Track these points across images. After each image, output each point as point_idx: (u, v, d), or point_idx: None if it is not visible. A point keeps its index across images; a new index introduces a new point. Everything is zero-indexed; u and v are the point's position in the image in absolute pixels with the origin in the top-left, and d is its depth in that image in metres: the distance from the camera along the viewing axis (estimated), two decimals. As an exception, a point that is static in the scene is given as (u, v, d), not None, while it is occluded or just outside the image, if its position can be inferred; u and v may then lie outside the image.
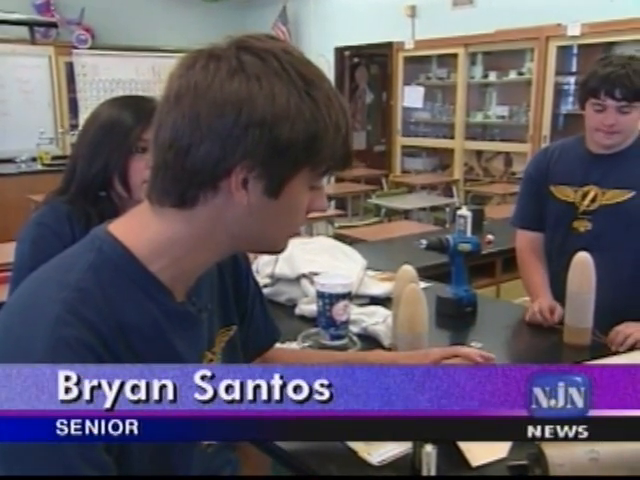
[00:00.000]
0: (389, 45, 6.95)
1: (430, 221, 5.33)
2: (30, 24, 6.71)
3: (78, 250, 0.79)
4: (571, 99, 5.73)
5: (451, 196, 6.15)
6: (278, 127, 0.72)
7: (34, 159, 6.01)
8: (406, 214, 5.14)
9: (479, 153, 6.50)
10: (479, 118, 6.35)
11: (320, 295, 1.63)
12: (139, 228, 0.80)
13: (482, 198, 5.71)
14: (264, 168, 0.74)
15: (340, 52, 7.92)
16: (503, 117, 6.16)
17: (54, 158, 5.89)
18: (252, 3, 8.59)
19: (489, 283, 2.94)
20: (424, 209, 5.48)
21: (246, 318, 1.04)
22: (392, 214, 5.22)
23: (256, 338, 1.08)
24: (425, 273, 2.31)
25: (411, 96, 6.84)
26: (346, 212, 6.27)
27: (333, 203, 7.08)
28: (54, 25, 6.94)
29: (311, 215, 3.24)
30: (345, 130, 0.78)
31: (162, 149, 0.75)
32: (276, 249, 0.87)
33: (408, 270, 1.56)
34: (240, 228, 0.79)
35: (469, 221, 2.69)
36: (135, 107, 1.49)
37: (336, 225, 4.23)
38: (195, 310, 0.85)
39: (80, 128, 1.61)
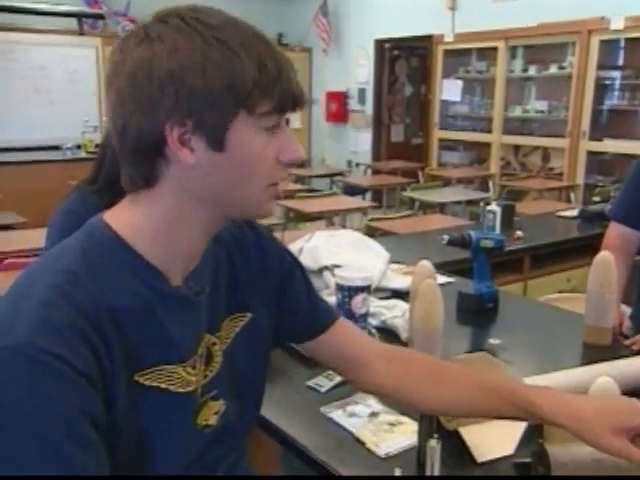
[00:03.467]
0: (429, 38, 6.90)
1: (466, 215, 5.29)
2: (79, 16, 6.91)
3: (71, 239, 0.81)
4: (616, 94, 5.60)
5: (487, 190, 6.09)
6: (188, 76, 0.72)
7: (79, 146, 6.20)
8: (441, 208, 5.12)
9: (517, 147, 6.42)
10: (517, 112, 6.26)
11: (339, 288, 1.65)
12: (125, 215, 0.82)
13: (518, 193, 5.64)
14: (195, 121, 0.74)
15: (380, 45, 7.89)
16: (542, 112, 6.06)
17: (97, 146, 6.05)
18: (293, -5, 8.61)
19: (516, 279, 2.91)
20: (460, 203, 5.44)
21: (283, 303, 1.02)
22: (427, 207, 5.20)
23: (296, 323, 1.05)
24: (451, 267, 2.31)
25: (449, 89, 6.78)
26: (381, 204, 6.27)
27: (369, 195, 7.10)
28: (101, 17, 7.13)
29: (345, 207, 3.28)
30: (274, 67, 0.76)
31: (113, 137, 0.78)
32: (258, 211, 0.84)
33: (426, 265, 1.56)
34: (205, 192, 0.79)
35: (498, 217, 2.69)
36: None
37: (368, 217, 4.24)
38: (191, 293, 0.85)
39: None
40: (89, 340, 0.72)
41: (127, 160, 0.78)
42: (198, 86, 0.73)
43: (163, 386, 0.81)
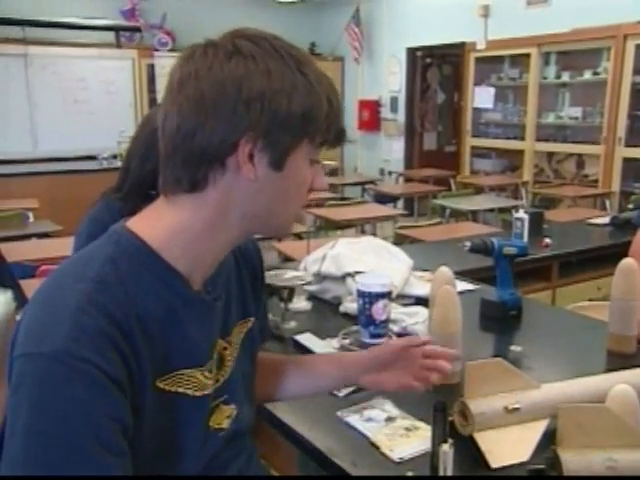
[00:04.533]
0: (461, 45, 6.88)
1: (498, 223, 5.23)
2: (117, 29, 7.08)
3: (97, 245, 0.83)
4: (654, 99, 5.49)
5: (520, 198, 6.02)
6: (276, 100, 0.77)
7: (115, 156, 6.32)
8: (473, 216, 5.08)
9: (550, 155, 6.34)
10: (551, 119, 6.19)
11: (360, 294, 1.66)
12: (154, 220, 0.83)
13: (552, 201, 5.57)
14: (267, 140, 0.78)
15: (412, 52, 7.90)
16: (576, 118, 5.98)
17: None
18: (325, 5, 8.68)
19: (545, 287, 2.88)
20: (492, 211, 5.39)
21: (259, 313, 1.07)
22: (459, 215, 5.17)
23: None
24: (477, 275, 2.29)
25: (481, 97, 6.74)
26: (412, 212, 6.25)
27: (401, 203, 7.08)
28: (138, 30, 7.29)
29: (375, 215, 3.30)
30: (336, 104, 0.83)
31: (170, 136, 0.79)
32: (284, 230, 0.90)
33: (444, 271, 1.56)
34: (250, 206, 0.82)
35: (526, 224, 2.67)
36: None
37: (397, 225, 4.24)
38: (210, 298, 0.88)
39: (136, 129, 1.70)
40: (119, 347, 0.74)
41: (183, 160, 0.79)
42: (282, 110, 0.78)
43: (181, 390, 0.84)
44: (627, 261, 1.57)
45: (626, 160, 5.45)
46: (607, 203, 5.45)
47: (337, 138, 0.86)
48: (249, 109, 0.76)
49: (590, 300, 2.68)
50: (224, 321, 0.94)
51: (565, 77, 6.00)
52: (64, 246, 3.12)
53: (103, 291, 0.76)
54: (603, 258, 3.00)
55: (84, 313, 0.73)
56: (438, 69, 8.35)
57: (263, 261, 1.09)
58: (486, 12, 6.64)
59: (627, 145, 5.39)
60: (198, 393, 0.86)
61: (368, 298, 1.64)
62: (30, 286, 2.45)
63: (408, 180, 7.36)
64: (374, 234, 4.87)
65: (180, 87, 0.78)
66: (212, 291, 0.89)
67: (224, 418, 0.94)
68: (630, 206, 3.71)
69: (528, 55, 6.12)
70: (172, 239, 0.82)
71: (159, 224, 0.83)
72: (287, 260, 3.17)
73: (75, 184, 5.49)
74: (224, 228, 0.83)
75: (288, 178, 0.82)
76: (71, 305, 0.73)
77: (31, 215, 4.17)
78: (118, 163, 6.19)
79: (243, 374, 0.99)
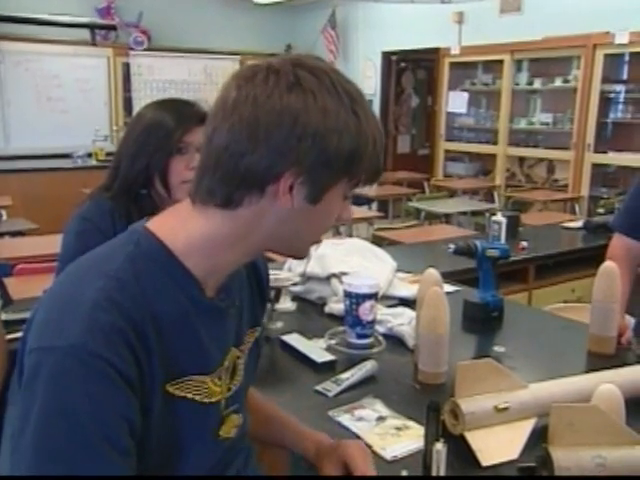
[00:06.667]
0: (435, 50, 6.96)
1: (470, 226, 5.31)
2: (91, 27, 6.99)
3: (117, 243, 0.83)
4: (620, 107, 5.64)
5: (492, 201, 6.12)
6: (327, 139, 0.78)
7: (89, 155, 6.27)
8: (447, 218, 5.14)
9: (522, 159, 6.46)
10: (523, 124, 6.30)
11: (347, 294, 1.67)
12: (177, 225, 0.83)
13: (523, 204, 5.67)
14: (310, 176, 0.79)
15: (387, 56, 7.96)
16: (547, 124, 6.11)
17: (108, 154, 6.12)
18: (302, 7, 8.69)
19: (521, 289, 2.94)
20: (465, 213, 5.47)
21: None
22: (432, 218, 5.23)
23: None
24: (457, 277, 2.33)
25: (455, 101, 6.83)
26: (386, 214, 6.29)
27: (375, 205, 7.12)
28: (113, 28, 7.22)
29: (353, 216, 3.23)
30: (380, 145, 0.84)
31: (217, 151, 0.79)
32: (301, 254, 0.91)
33: (432, 273, 1.59)
34: (277, 231, 0.83)
35: (503, 227, 2.72)
36: (177, 111, 1.57)
37: (375, 227, 4.27)
38: (223, 306, 0.89)
39: (125, 128, 1.69)
40: (132, 346, 0.74)
41: (222, 177, 0.80)
42: (330, 149, 0.78)
43: (190, 396, 0.84)
44: (608, 264, 1.61)
45: (595, 166, 5.58)
46: (577, 207, 5.57)
47: (373, 177, 0.87)
48: (300, 144, 0.77)
49: (565, 302, 2.74)
50: (237, 330, 0.94)
51: (537, 84, 6.13)
52: (40, 244, 3.09)
53: (120, 289, 0.76)
54: (577, 261, 3.08)
55: (101, 310, 0.73)
56: (413, 73, 8.43)
57: (269, 273, 1.10)
58: (460, 19, 6.74)
59: (595, 151, 5.52)
60: (206, 400, 0.86)
61: (355, 299, 1.66)
62: (8, 285, 2.41)
63: (382, 182, 7.40)
64: (350, 235, 4.90)
65: (235, 107, 0.78)
66: (225, 299, 0.89)
67: (232, 427, 0.95)
68: (601, 210, 3.81)
69: (501, 61, 6.23)
70: (194, 246, 0.82)
71: (182, 230, 0.83)
72: (267, 260, 3.17)
73: (49, 182, 5.43)
74: (246, 245, 0.84)
75: (319, 212, 0.83)
76: (88, 301, 0.74)
77: (4, 213, 4.10)
78: (93, 162, 6.14)
79: (247, 382, 1.00)
